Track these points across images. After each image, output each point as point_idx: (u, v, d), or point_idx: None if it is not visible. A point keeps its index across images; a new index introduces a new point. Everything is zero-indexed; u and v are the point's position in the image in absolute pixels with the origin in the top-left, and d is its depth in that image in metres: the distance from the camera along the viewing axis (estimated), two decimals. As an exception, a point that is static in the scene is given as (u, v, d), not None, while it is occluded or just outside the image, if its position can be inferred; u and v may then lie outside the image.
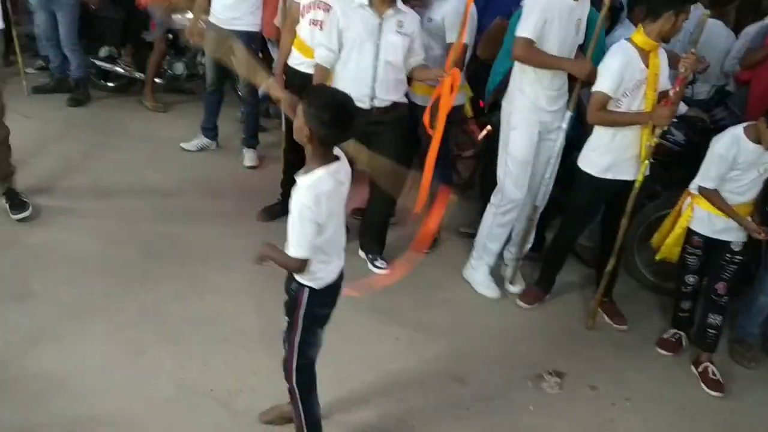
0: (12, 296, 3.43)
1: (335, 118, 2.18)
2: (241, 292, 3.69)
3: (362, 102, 3.65)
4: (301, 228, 2.22)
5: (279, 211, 4.37)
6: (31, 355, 3.08)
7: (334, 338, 2.67)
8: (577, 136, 3.86)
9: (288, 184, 4.36)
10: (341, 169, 2.31)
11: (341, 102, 2.24)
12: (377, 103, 3.75)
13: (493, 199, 3.96)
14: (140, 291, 3.56)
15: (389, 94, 3.78)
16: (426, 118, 3.78)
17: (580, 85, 3.66)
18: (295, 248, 2.25)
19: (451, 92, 3.61)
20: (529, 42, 3.52)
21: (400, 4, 3.69)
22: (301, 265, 2.29)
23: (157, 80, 6.13)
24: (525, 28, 3.52)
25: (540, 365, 3.48)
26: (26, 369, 2.99)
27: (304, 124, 2.20)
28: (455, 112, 3.94)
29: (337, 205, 2.32)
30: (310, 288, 2.39)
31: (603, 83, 3.45)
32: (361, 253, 4.18)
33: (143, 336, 3.27)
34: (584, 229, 4.05)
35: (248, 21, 4.89)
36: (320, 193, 2.21)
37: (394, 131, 3.84)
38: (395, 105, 3.84)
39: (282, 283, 2.50)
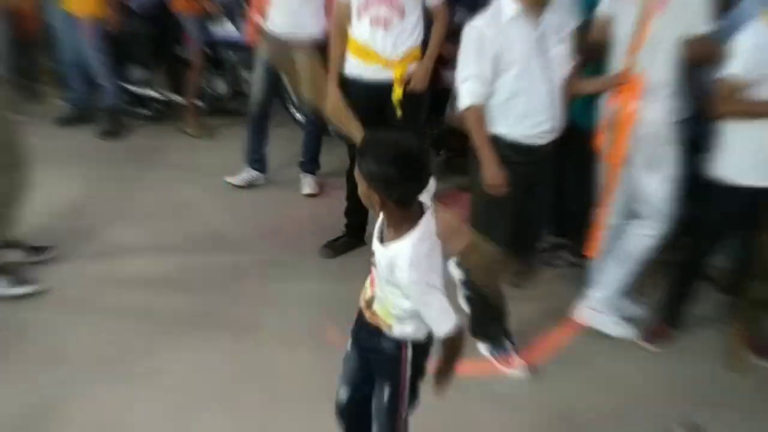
0: (43, 358, 3.22)
1: (404, 171, 1.84)
2: (300, 342, 3.42)
3: (541, 139, 2.99)
4: (439, 299, 1.97)
5: (344, 245, 3.99)
6: (61, 424, 2.85)
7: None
8: (699, 138, 3.37)
9: (353, 212, 3.99)
10: (431, 221, 2.00)
11: (405, 149, 1.87)
12: (555, 136, 3.05)
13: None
14: (187, 346, 3.35)
15: (562, 119, 3.06)
16: (598, 139, 3.26)
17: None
18: (445, 323, 2.00)
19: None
20: None
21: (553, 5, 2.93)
22: (462, 331, 2.05)
23: (197, 102, 5.74)
24: None
25: (670, 417, 3.05)
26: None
27: (367, 189, 1.92)
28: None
29: (438, 258, 2.04)
30: (414, 341, 2.16)
31: (735, 65, 2.97)
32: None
33: (193, 398, 3.06)
34: (715, 249, 3.51)
35: (311, 27, 4.41)
36: (422, 257, 1.93)
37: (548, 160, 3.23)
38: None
39: (346, 329, 2.29)
